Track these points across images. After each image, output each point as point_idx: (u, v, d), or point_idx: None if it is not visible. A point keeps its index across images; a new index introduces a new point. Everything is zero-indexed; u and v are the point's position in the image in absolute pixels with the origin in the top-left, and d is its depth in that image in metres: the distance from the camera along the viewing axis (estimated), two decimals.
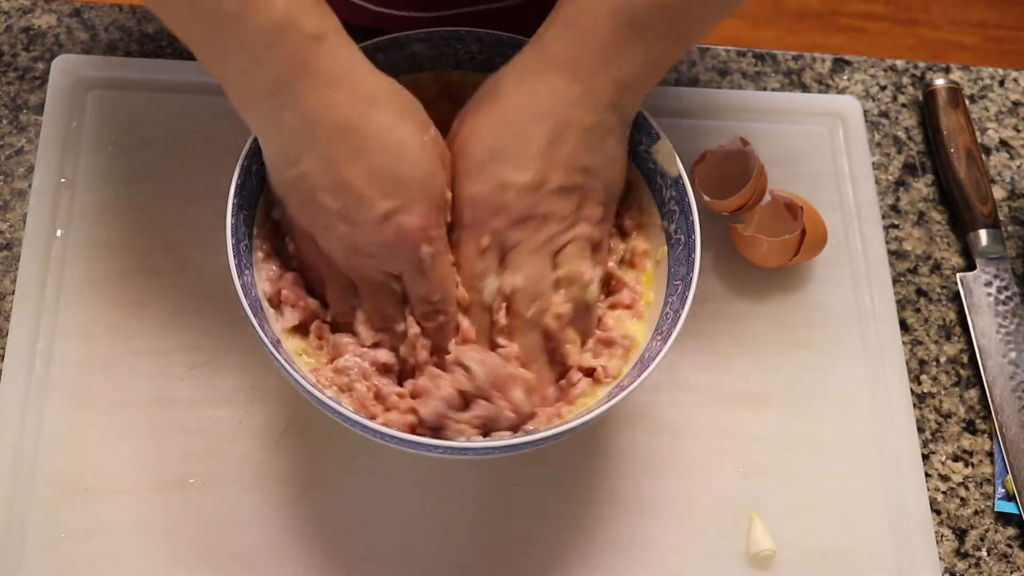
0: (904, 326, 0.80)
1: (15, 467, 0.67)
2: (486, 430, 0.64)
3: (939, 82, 0.88)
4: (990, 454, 0.77)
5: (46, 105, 0.78)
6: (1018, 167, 0.88)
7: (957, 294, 0.82)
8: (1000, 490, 0.75)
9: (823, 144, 0.85)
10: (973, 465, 0.76)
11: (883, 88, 0.90)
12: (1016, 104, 0.91)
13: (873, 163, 0.86)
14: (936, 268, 0.83)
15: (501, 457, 0.69)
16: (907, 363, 0.78)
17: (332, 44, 0.61)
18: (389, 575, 0.67)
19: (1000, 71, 0.92)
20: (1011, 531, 0.74)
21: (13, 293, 0.72)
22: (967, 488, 0.75)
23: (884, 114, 0.89)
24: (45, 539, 0.66)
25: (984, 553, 0.73)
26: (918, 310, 0.81)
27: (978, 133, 0.89)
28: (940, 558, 0.72)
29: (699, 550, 0.70)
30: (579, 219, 0.65)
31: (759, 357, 0.76)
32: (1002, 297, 0.81)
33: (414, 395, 0.64)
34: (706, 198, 0.77)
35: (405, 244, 0.62)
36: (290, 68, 0.60)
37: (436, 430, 0.63)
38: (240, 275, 0.62)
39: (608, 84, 0.64)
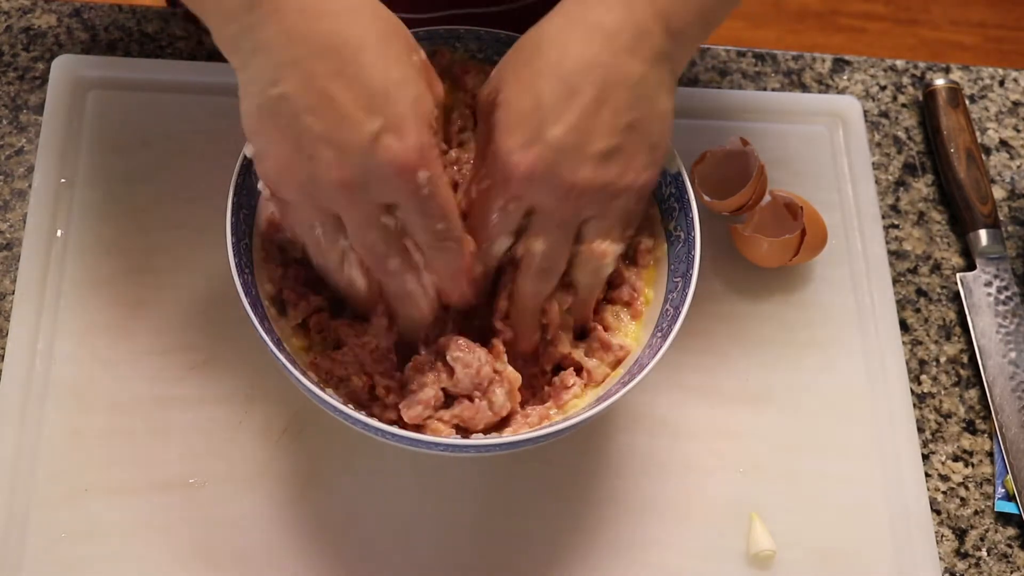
0: (904, 326, 0.80)
1: (15, 467, 0.67)
2: (463, 430, 0.64)
3: (939, 82, 0.88)
4: (990, 454, 0.77)
5: (46, 105, 0.78)
6: (1018, 167, 0.88)
7: (957, 294, 0.82)
8: (1000, 490, 0.75)
9: (823, 144, 0.85)
10: (973, 465, 0.76)
11: (883, 88, 0.90)
12: (1016, 104, 0.91)
13: (873, 163, 0.86)
14: (936, 268, 0.83)
15: (501, 456, 0.69)
16: (907, 363, 0.78)
17: None
18: (389, 575, 0.67)
19: (1000, 71, 0.92)
20: (1011, 531, 0.74)
21: (13, 293, 0.72)
22: (967, 488, 0.75)
23: (884, 114, 0.89)
24: (45, 539, 0.66)
25: (984, 553, 0.73)
26: (918, 310, 0.81)
27: (978, 133, 0.89)
28: (940, 558, 0.72)
29: (699, 550, 0.70)
30: (618, 191, 0.61)
31: (759, 357, 0.76)
32: (1002, 297, 0.81)
33: (402, 383, 0.64)
34: (706, 198, 0.77)
35: (400, 169, 0.57)
36: None
37: (415, 427, 0.63)
38: (240, 275, 0.62)
39: (660, 32, 0.61)
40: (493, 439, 0.63)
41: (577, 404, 0.65)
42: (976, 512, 0.75)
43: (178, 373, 0.71)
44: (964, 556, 0.73)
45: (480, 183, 0.63)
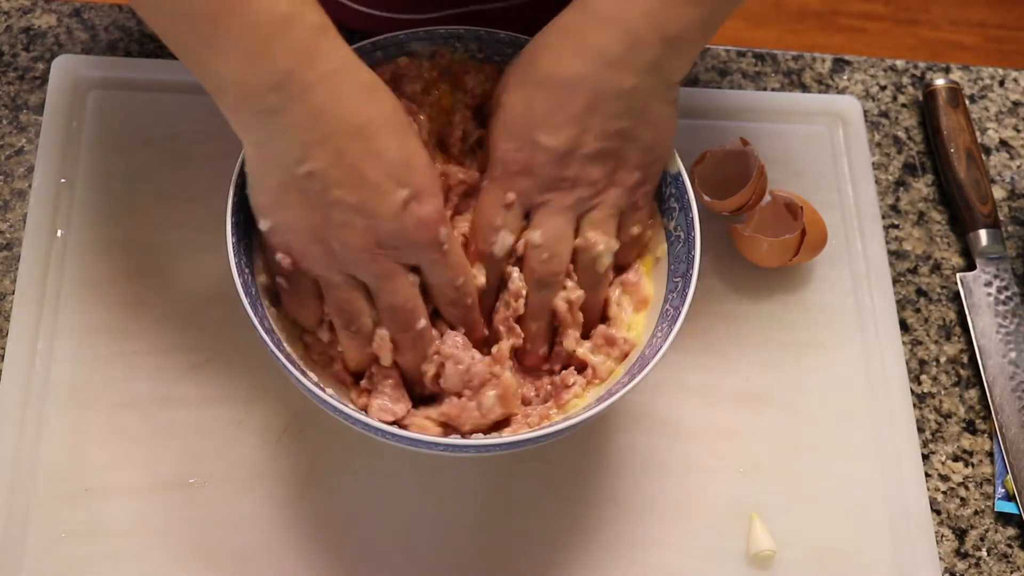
0: (904, 326, 0.80)
1: (15, 467, 0.67)
2: (447, 429, 0.64)
3: (939, 82, 0.88)
4: (990, 454, 0.77)
5: (46, 105, 0.78)
6: (1018, 167, 0.88)
7: (957, 294, 0.82)
8: (1000, 490, 0.75)
9: (823, 144, 0.85)
10: (973, 465, 0.76)
11: (883, 88, 0.90)
12: (1016, 104, 0.91)
13: (873, 163, 0.86)
14: (936, 268, 0.83)
15: (501, 456, 0.69)
16: (907, 363, 0.78)
17: (333, 36, 0.60)
18: (389, 575, 0.67)
19: (1000, 71, 0.92)
20: (1011, 531, 0.74)
21: (13, 293, 0.72)
22: (967, 488, 0.75)
23: (884, 114, 0.89)
24: (45, 539, 0.66)
25: (984, 553, 0.73)
26: (918, 310, 0.81)
27: (978, 133, 0.89)
28: (940, 558, 0.72)
29: (699, 550, 0.70)
30: (611, 184, 0.65)
31: (759, 357, 0.76)
32: (1002, 297, 0.81)
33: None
34: (706, 198, 0.77)
35: (426, 229, 0.61)
36: (297, 60, 0.58)
37: (403, 424, 0.64)
38: (240, 275, 0.62)
39: (655, 42, 0.62)
40: (493, 439, 0.63)
41: (577, 404, 0.65)
42: (976, 512, 0.75)
43: (178, 373, 0.71)
44: (964, 556, 0.73)
45: (482, 184, 0.65)
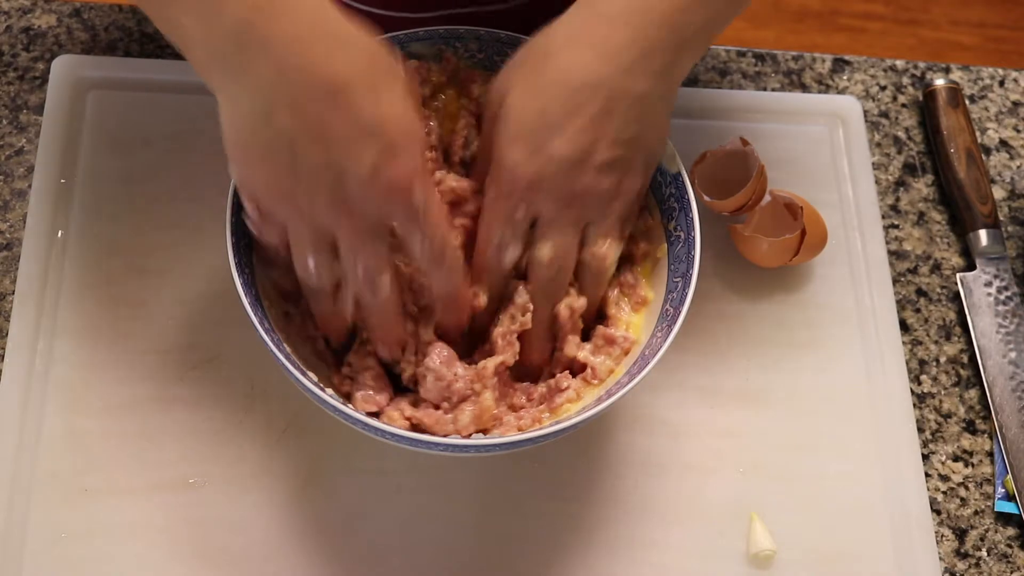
0: (904, 326, 0.80)
1: (15, 467, 0.67)
2: (416, 430, 0.63)
3: (939, 82, 0.88)
4: (990, 454, 0.77)
5: (46, 105, 0.78)
6: (1018, 167, 0.88)
7: (957, 294, 0.82)
8: (1000, 490, 0.75)
9: (823, 144, 0.85)
10: (973, 465, 0.76)
11: (883, 88, 0.90)
12: (1016, 104, 0.91)
13: (873, 163, 0.86)
14: (936, 268, 0.83)
15: (501, 455, 0.69)
16: (907, 363, 0.78)
17: None
18: (389, 574, 0.67)
19: (1000, 71, 0.92)
20: (1011, 531, 0.74)
21: (13, 293, 0.72)
22: (967, 488, 0.75)
23: (884, 114, 0.89)
24: (45, 539, 0.66)
25: (984, 553, 0.73)
26: (918, 310, 0.81)
27: (978, 133, 0.89)
28: (940, 558, 0.72)
29: (699, 550, 0.70)
30: (618, 194, 0.63)
31: (759, 357, 0.76)
32: (1002, 297, 0.81)
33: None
34: (706, 198, 0.77)
35: (397, 191, 0.58)
36: (250, 10, 0.55)
37: (372, 414, 0.63)
38: (240, 274, 0.62)
39: (669, 46, 0.61)
40: (493, 439, 0.63)
41: (570, 408, 0.65)
42: (976, 512, 0.75)
43: (178, 373, 0.71)
44: (964, 556, 0.73)
45: (486, 194, 0.63)
